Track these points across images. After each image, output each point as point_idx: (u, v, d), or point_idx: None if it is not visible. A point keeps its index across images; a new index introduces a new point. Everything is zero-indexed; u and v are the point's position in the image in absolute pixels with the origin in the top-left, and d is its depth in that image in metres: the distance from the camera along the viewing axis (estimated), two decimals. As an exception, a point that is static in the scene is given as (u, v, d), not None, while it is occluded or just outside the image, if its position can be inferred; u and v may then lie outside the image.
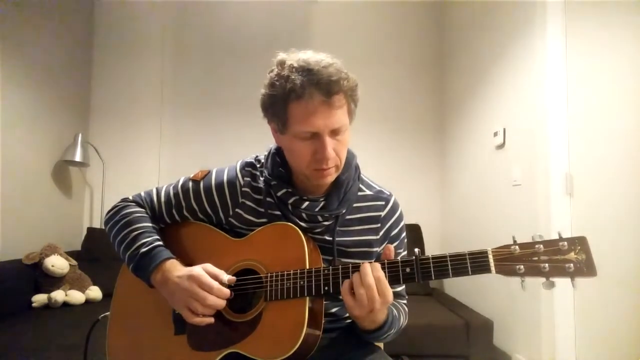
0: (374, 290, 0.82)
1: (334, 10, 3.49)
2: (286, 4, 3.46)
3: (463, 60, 3.09)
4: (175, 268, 0.92)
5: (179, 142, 3.37)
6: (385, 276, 0.84)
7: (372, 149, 3.34)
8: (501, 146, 2.46)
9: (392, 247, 0.90)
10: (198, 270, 0.90)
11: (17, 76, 2.57)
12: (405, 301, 1.08)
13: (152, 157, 3.35)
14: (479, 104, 2.79)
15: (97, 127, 3.35)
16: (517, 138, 2.31)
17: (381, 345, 1.18)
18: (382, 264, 0.86)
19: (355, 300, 0.83)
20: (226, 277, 0.91)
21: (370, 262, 0.86)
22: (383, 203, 1.05)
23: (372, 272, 0.83)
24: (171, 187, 1.06)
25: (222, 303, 0.89)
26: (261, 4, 3.46)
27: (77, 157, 2.90)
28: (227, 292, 0.89)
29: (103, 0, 3.41)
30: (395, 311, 0.97)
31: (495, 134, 2.50)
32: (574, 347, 1.95)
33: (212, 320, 0.89)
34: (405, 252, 1.10)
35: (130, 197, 1.08)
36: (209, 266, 0.92)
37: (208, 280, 0.88)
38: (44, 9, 2.80)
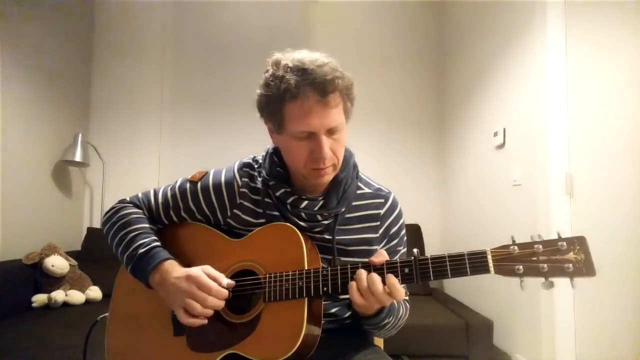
0: (383, 296, 0.83)
1: (334, 10, 3.49)
2: (286, 4, 3.46)
3: (463, 60, 3.09)
4: (174, 269, 0.92)
5: (179, 142, 3.37)
6: (413, 274, 0.83)
7: (372, 149, 3.34)
8: (501, 146, 2.46)
9: (384, 253, 0.89)
10: (196, 271, 0.89)
11: (17, 76, 2.57)
12: (407, 297, 1.08)
13: (152, 157, 3.35)
14: (479, 103, 2.79)
15: (97, 127, 3.35)
16: (517, 138, 2.31)
17: (381, 345, 1.18)
18: (382, 265, 0.85)
19: (364, 299, 0.84)
20: (225, 280, 0.91)
21: (372, 268, 0.85)
22: (382, 201, 1.05)
23: (387, 280, 0.83)
24: (169, 188, 1.06)
25: (221, 304, 0.89)
26: (261, 4, 3.46)
27: (77, 157, 2.90)
28: (225, 293, 0.89)
29: (103, 1, 3.41)
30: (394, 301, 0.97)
31: (495, 134, 2.49)
32: (574, 347, 1.95)
33: (205, 321, 0.89)
34: (405, 250, 1.10)
35: (128, 199, 1.07)
36: (208, 268, 0.92)
37: (207, 281, 0.88)
38: (44, 9, 2.80)
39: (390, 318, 0.96)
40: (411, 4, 3.53)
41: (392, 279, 0.83)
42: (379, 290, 0.82)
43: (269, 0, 3.45)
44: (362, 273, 0.84)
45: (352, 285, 0.85)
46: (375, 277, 0.83)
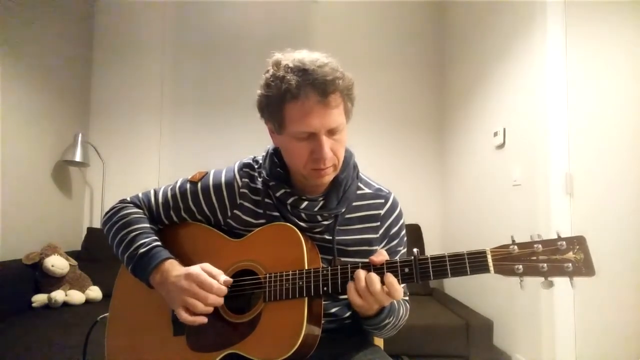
0: (381, 295, 0.82)
1: (334, 10, 3.49)
2: (286, 4, 3.46)
3: (463, 60, 3.09)
4: (174, 268, 0.92)
5: (179, 141, 3.37)
6: (413, 274, 0.83)
7: (372, 149, 3.34)
8: (501, 146, 2.46)
9: (384, 252, 0.89)
10: (196, 269, 0.90)
11: (17, 76, 2.57)
12: (407, 298, 1.08)
13: (152, 157, 3.35)
14: (479, 103, 2.79)
15: (97, 127, 3.35)
16: (517, 138, 2.31)
17: (381, 344, 1.18)
18: (381, 265, 0.85)
19: (363, 300, 0.84)
20: (223, 277, 0.91)
21: (371, 267, 0.85)
22: (382, 201, 1.05)
23: (385, 279, 0.83)
24: (169, 189, 1.06)
25: (221, 301, 0.90)
26: (261, 4, 3.46)
27: (77, 157, 2.90)
28: (225, 290, 0.90)
29: (103, 1, 3.42)
30: (394, 301, 0.97)
31: (495, 134, 2.50)
32: (574, 347, 1.95)
33: (205, 320, 0.89)
34: (405, 250, 1.10)
35: (128, 199, 1.07)
36: (207, 266, 0.92)
37: (207, 279, 0.88)
38: (44, 9, 2.80)
39: (391, 318, 0.96)
40: (411, 4, 3.53)
41: (390, 277, 0.83)
42: (377, 289, 0.82)
43: (269, 0, 3.46)
44: (361, 273, 0.84)
45: (350, 285, 0.85)
46: (374, 276, 0.83)
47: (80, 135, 2.96)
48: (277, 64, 0.89)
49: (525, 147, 2.22)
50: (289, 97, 0.86)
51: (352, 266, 0.87)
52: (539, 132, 2.09)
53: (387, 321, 0.95)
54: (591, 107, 1.94)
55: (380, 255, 0.87)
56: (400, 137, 3.45)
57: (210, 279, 0.89)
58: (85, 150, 2.99)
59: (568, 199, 1.99)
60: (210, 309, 0.88)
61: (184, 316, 0.87)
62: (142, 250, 0.94)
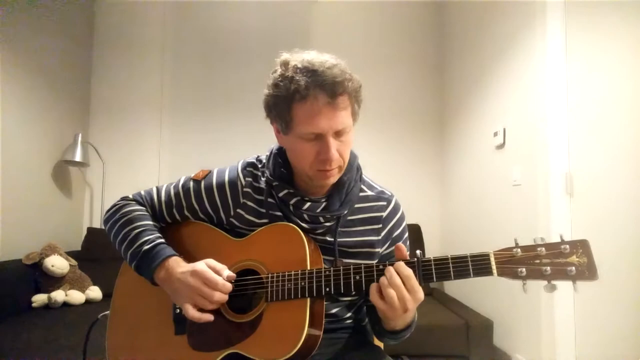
0: (403, 289, 0.81)
1: (334, 10, 3.49)
2: (286, 4, 3.45)
3: (463, 60, 3.09)
4: (179, 265, 0.92)
5: (179, 141, 3.37)
6: (416, 275, 0.82)
7: (372, 149, 3.33)
8: (501, 146, 2.46)
9: (401, 245, 0.88)
10: (201, 266, 0.90)
11: (17, 76, 2.57)
12: None
13: (152, 157, 3.35)
14: (479, 104, 2.79)
15: (97, 127, 3.35)
16: (517, 138, 2.31)
17: (381, 345, 1.18)
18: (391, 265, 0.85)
19: (385, 302, 0.82)
20: (226, 272, 0.91)
21: (392, 263, 0.84)
22: (385, 204, 1.05)
23: (399, 271, 0.82)
24: (172, 187, 1.06)
25: (226, 298, 0.89)
26: (261, 4, 3.45)
27: (77, 157, 2.90)
28: (230, 287, 0.89)
29: (103, 1, 3.41)
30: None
31: (495, 134, 2.50)
32: (574, 347, 1.95)
33: (212, 317, 0.89)
34: (408, 253, 1.10)
35: (130, 196, 1.07)
36: (211, 261, 0.92)
37: (213, 276, 0.88)
38: (44, 9, 2.80)
39: (412, 327, 0.96)
40: (411, 4, 3.53)
41: (406, 270, 0.82)
42: (416, 285, 0.81)
43: (269, 0, 3.45)
44: (392, 269, 0.83)
45: (373, 287, 0.84)
46: (392, 269, 0.82)
47: (80, 135, 2.95)
48: (285, 64, 0.89)
49: (525, 147, 2.22)
50: (297, 98, 0.86)
51: (355, 267, 0.87)
52: (539, 132, 2.09)
53: (411, 330, 0.95)
54: (591, 107, 1.94)
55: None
56: (400, 137, 3.45)
57: (215, 276, 0.88)
58: (85, 150, 2.99)
59: (568, 199, 1.99)
60: (215, 306, 0.89)
61: (192, 313, 0.87)
62: (146, 247, 0.94)
